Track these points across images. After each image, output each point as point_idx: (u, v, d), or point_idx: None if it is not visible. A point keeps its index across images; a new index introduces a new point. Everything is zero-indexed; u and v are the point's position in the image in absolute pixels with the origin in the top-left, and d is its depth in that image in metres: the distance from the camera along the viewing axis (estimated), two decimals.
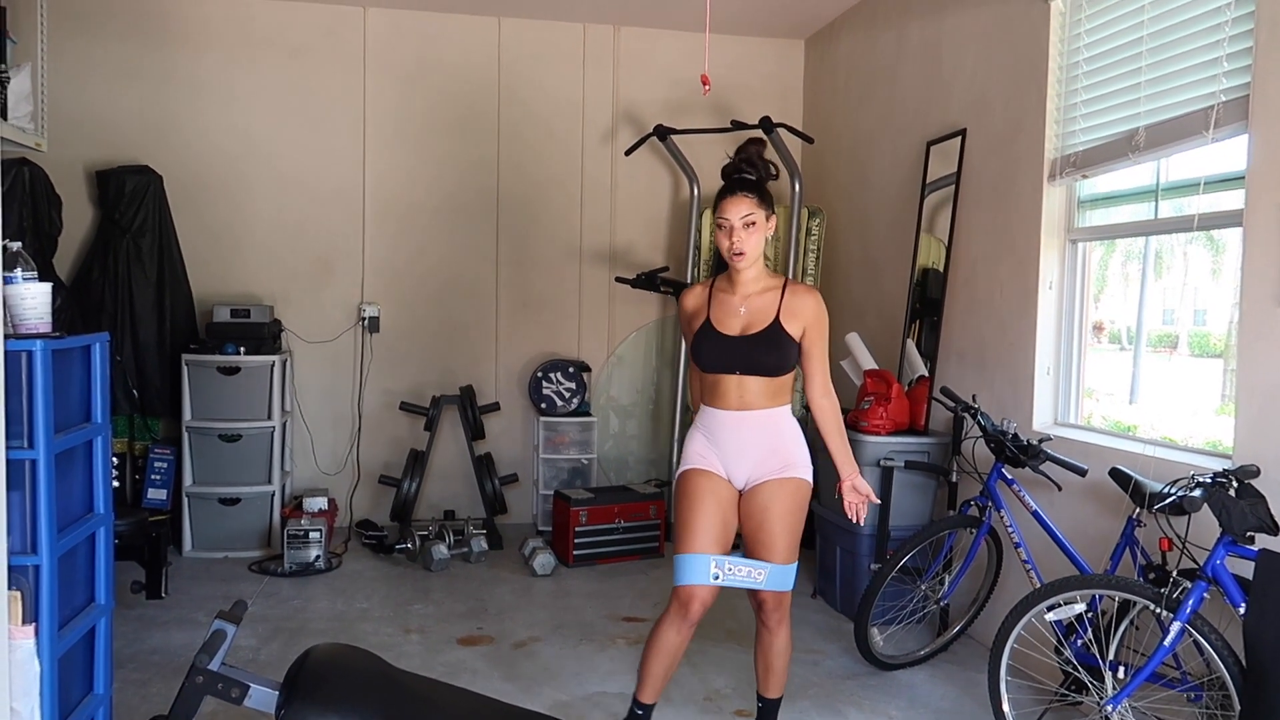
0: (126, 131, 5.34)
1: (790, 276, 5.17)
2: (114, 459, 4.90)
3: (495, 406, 5.71)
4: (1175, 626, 2.54)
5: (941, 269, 4.40)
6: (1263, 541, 2.55)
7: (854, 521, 2.85)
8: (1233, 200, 3.00)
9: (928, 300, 4.54)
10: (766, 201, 2.77)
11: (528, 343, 5.93)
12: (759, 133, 5.05)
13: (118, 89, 5.33)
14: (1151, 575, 2.85)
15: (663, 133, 5.51)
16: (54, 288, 2.46)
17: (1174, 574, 2.61)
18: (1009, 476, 3.47)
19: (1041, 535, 3.37)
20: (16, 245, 2.36)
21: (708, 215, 5.46)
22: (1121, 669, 2.77)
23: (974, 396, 3.78)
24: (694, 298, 2.91)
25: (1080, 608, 2.81)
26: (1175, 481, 2.67)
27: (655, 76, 5.93)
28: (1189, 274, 4.73)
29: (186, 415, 5.02)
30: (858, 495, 2.84)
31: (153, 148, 5.33)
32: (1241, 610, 2.50)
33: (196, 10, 5.42)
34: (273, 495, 5.12)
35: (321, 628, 4.04)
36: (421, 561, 4.93)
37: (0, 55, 3.99)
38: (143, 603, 4.22)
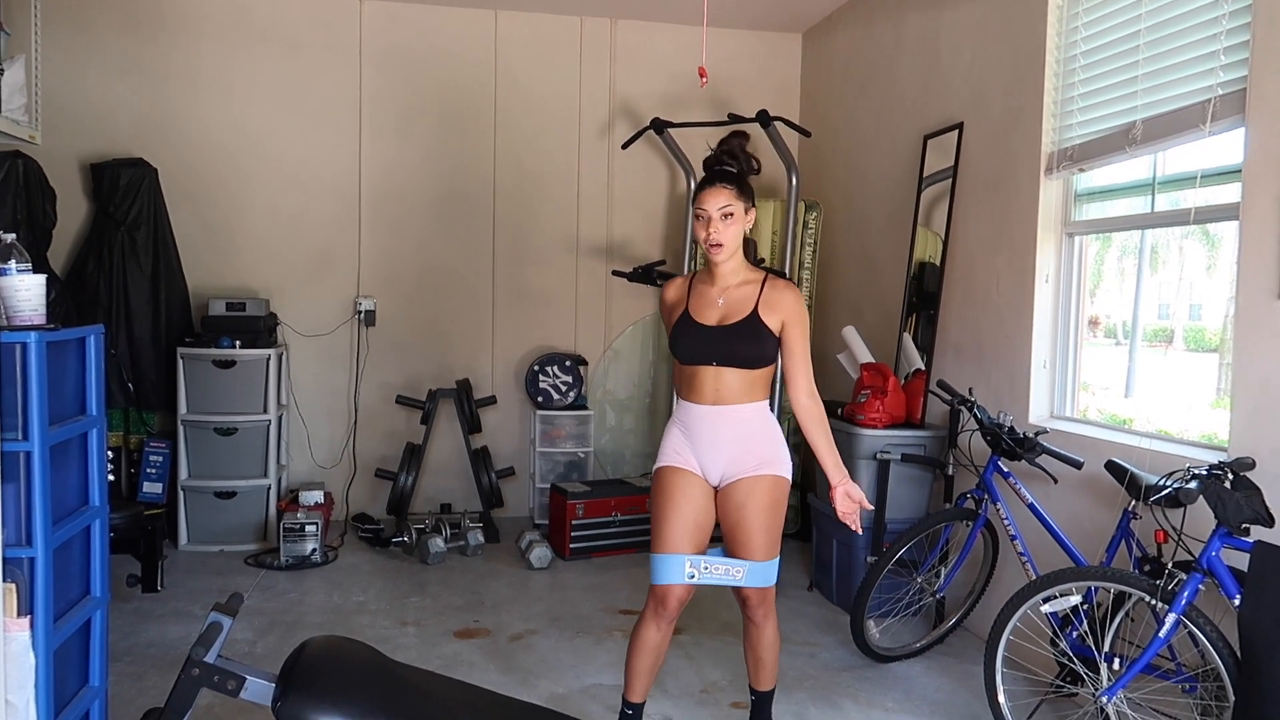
0: (121, 124, 5.32)
1: (787, 271, 5.16)
2: (109, 452, 4.90)
3: (492, 400, 5.70)
4: (1170, 618, 2.55)
5: (938, 262, 4.40)
6: (1258, 533, 2.56)
7: (853, 532, 2.79)
8: (1229, 194, 3.00)
9: (924, 294, 4.54)
10: (746, 194, 2.74)
11: (524, 336, 5.92)
12: (755, 126, 5.04)
13: (112, 81, 5.31)
14: (1147, 567, 2.85)
15: (660, 126, 5.50)
16: (48, 281, 2.45)
17: (1169, 566, 2.62)
18: (1005, 469, 3.47)
19: (1037, 528, 3.38)
20: (10, 237, 2.35)
21: None
22: (1117, 660, 2.78)
23: (970, 390, 3.78)
24: (674, 290, 2.89)
25: (1076, 600, 2.81)
26: (1171, 474, 2.68)
27: (652, 70, 5.92)
28: (1184, 269, 4.74)
29: (182, 409, 5.01)
30: (851, 504, 2.75)
31: (148, 141, 5.32)
32: (1236, 602, 2.51)
33: (192, 2, 5.40)
34: (269, 489, 5.11)
35: (318, 621, 4.04)
36: (418, 555, 4.93)
37: None
38: (138, 596, 4.22)
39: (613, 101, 5.96)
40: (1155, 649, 2.60)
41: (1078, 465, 3.25)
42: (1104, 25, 3.48)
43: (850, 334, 4.75)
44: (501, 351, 5.90)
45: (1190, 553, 2.64)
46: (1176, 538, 2.66)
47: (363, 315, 5.66)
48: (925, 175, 4.58)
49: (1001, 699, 2.96)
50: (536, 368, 5.69)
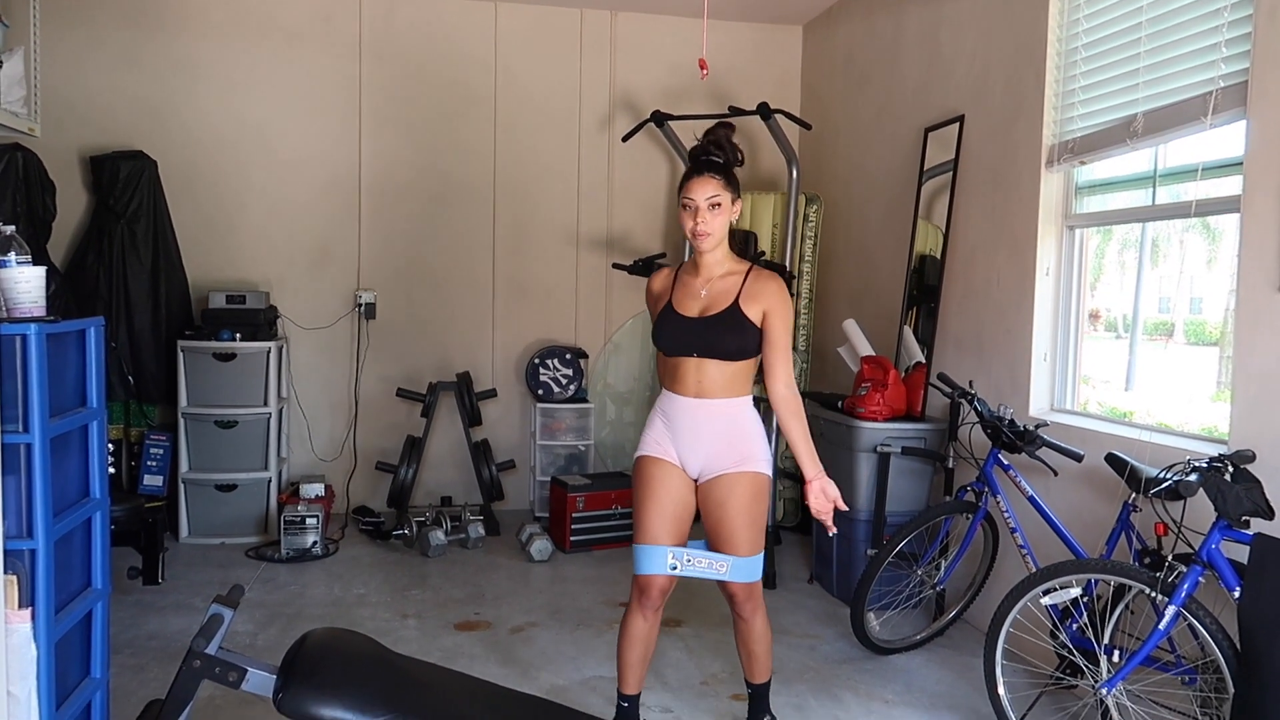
0: (121, 117, 5.31)
1: (787, 264, 5.16)
2: (110, 445, 4.90)
3: (492, 393, 5.71)
4: (1170, 610, 2.55)
5: (939, 255, 4.39)
6: (1258, 526, 2.56)
7: (827, 533, 2.77)
8: (1231, 186, 3.00)
9: (925, 287, 4.53)
10: (733, 184, 2.73)
11: (525, 329, 5.92)
12: (756, 118, 5.04)
13: (112, 74, 5.30)
14: (1147, 560, 2.86)
15: (660, 119, 5.49)
16: (48, 273, 2.45)
17: (1169, 558, 2.62)
18: (1005, 462, 3.47)
19: (1037, 520, 3.38)
20: (10, 229, 2.35)
21: None
22: (1116, 653, 2.78)
23: (971, 383, 3.78)
24: (660, 280, 2.89)
25: (1076, 592, 2.81)
26: (1171, 466, 2.68)
27: (652, 62, 5.91)
28: (1185, 262, 4.73)
29: (182, 401, 5.01)
30: (825, 501, 2.70)
31: (147, 133, 5.31)
32: (1236, 594, 2.51)
33: None
34: (269, 481, 5.11)
35: (319, 613, 4.05)
36: (419, 547, 4.94)
37: None
38: (139, 588, 4.22)
39: (613, 94, 5.94)
40: (1155, 641, 2.60)
41: (1078, 458, 3.26)
42: (1105, 17, 3.47)
43: (851, 327, 4.74)
44: (502, 344, 5.90)
45: (1190, 545, 2.64)
46: (1176, 530, 2.66)
47: (363, 308, 5.66)
48: (926, 168, 4.57)
49: (1001, 691, 2.96)
50: (537, 361, 5.69)
